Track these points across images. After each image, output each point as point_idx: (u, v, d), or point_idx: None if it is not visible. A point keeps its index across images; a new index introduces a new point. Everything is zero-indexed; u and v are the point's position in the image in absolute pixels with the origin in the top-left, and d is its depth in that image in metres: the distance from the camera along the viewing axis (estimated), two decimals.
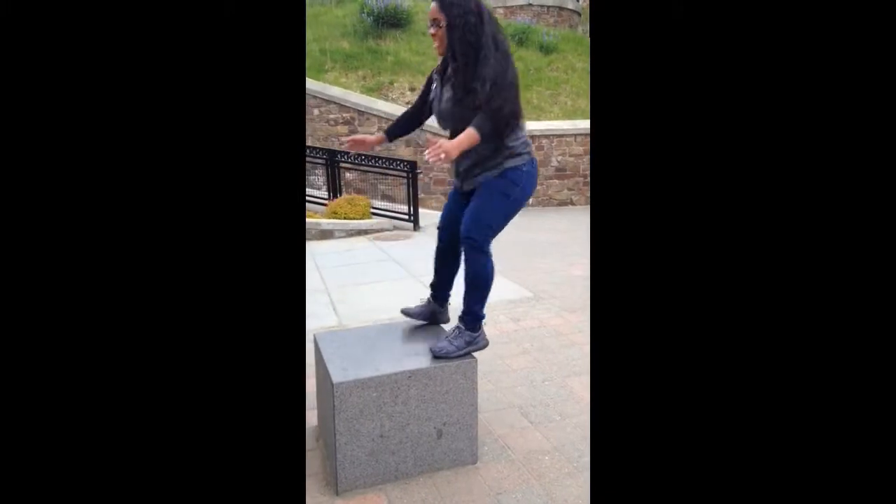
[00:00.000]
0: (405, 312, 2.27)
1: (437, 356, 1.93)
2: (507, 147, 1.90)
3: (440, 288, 2.24)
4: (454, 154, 1.77)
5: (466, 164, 1.95)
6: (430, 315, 2.26)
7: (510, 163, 1.91)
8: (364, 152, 7.66)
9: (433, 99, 2.03)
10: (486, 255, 1.96)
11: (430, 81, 2.07)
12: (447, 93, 1.92)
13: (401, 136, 2.25)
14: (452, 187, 2.15)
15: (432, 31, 1.88)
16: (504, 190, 1.92)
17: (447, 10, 1.83)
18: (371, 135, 2.07)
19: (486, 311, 2.07)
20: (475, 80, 1.81)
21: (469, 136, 1.78)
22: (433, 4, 1.87)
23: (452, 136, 1.90)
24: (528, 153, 1.97)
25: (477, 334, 2.02)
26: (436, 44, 1.90)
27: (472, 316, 2.01)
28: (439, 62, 2.00)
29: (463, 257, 2.01)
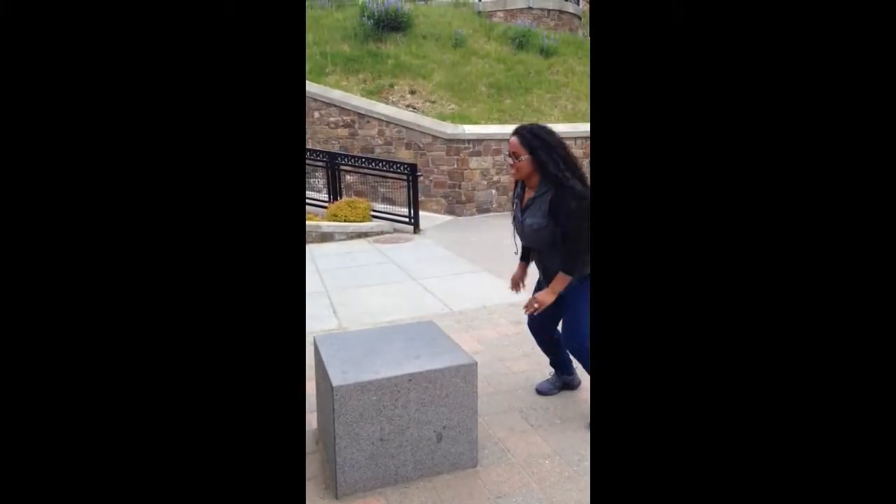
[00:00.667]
0: (540, 392, 2.55)
1: (540, 393, 2.50)
2: (587, 262, 2.12)
3: (559, 365, 2.54)
4: (550, 300, 2.14)
5: (551, 272, 2.21)
6: (564, 386, 2.57)
7: (586, 270, 2.14)
8: (366, 155, 7.67)
9: (514, 218, 2.30)
10: (586, 349, 2.18)
11: (514, 205, 2.35)
12: (529, 219, 2.18)
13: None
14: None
15: (511, 161, 2.14)
16: (584, 292, 2.14)
17: (526, 144, 2.09)
18: (515, 272, 2.48)
19: (486, 314, 2.09)
20: (558, 216, 2.07)
21: (562, 280, 2.12)
22: (512, 138, 2.13)
23: (528, 250, 2.36)
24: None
25: (572, 377, 2.52)
26: (514, 173, 2.18)
27: (570, 372, 2.52)
28: (515, 192, 2.31)
29: (572, 354, 2.30)
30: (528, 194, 2.20)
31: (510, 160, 2.15)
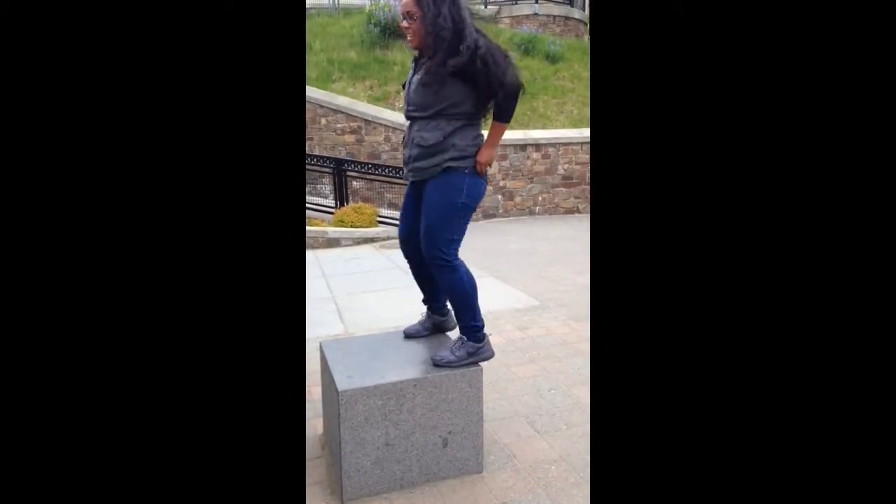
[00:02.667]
0: (408, 334, 2.20)
1: (437, 365, 1.91)
2: (453, 145, 1.83)
3: (433, 300, 2.18)
4: (491, 156, 1.85)
5: (409, 153, 1.89)
6: (434, 327, 2.22)
7: (452, 164, 1.83)
8: (372, 161, 7.70)
9: (403, 84, 1.96)
10: (457, 269, 1.90)
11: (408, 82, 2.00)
12: (418, 75, 1.83)
13: None
14: (407, 185, 2.04)
15: (405, 24, 1.79)
16: (449, 199, 1.85)
17: (422, 2, 1.73)
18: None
19: (492, 319, 2.06)
20: (455, 51, 1.72)
21: (495, 129, 1.82)
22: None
23: (409, 118, 1.89)
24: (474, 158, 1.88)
25: (480, 345, 1.97)
26: (408, 37, 1.82)
27: (470, 328, 1.97)
28: (411, 60, 1.95)
29: (436, 278, 1.95)
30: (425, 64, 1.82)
31: (404, 24, 1.79)
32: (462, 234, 1.93)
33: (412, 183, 2.01)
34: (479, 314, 1.99)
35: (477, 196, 1.92)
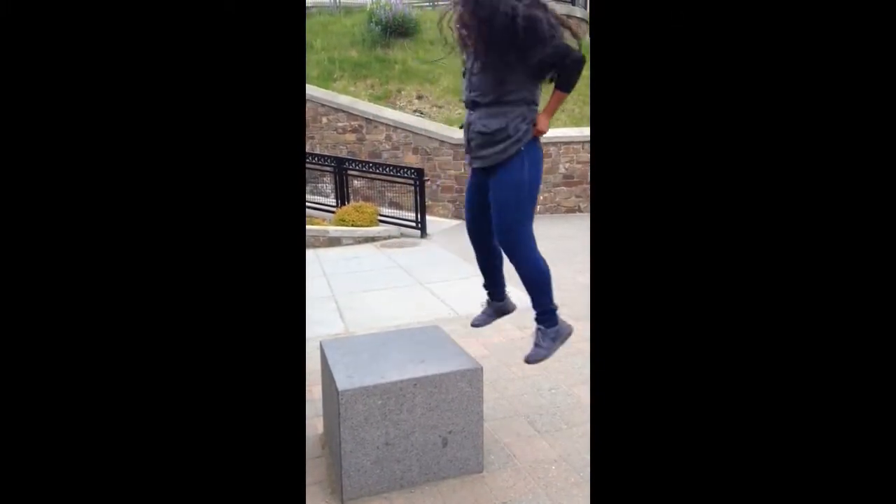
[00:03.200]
0: (475, 324, 2.29)
1: (533, 362, 1.97)
2: (516, 129, 1.82)
3: (494, 286, 2.23)
4: (547, 125, 1.84)
5: (471, 140, 1.89)
6: (496, 312, 2.27)
7: (513, 149, 1.83)
8: (373, 160, 7.70)
9: (462, 72, 1.95)
10: (531, 250, 1.91)
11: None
12: (477, 63, 1.84)
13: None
14: (469, 174, 2.08)
15: (459, 31, 1.80)
16: (514, 181, 1.86)
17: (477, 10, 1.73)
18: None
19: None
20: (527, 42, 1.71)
21: (556, 97, 1.83)
22: (459, 8, 1.79)
23: (470, 105, 1.88)
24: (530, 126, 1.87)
25: (558, 326, 2.00)
26: (468, 44, 1.83)
27: (547, 313, 1.99)
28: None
29: (509, 261, 1.96)
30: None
31: (459, 30, 1.80)
32: (531, 214, 1.94)
33: (474, 170, 2.00)
34: (552, 294, 1.98)
35: (537, 163, 1.91)
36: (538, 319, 2.02)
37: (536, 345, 2.00)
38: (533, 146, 1.90)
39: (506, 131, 1.84)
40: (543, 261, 1.96)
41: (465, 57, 1.94)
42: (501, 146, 1.85)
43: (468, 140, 1.94)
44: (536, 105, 1.91)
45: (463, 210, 2.15)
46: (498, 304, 2.26)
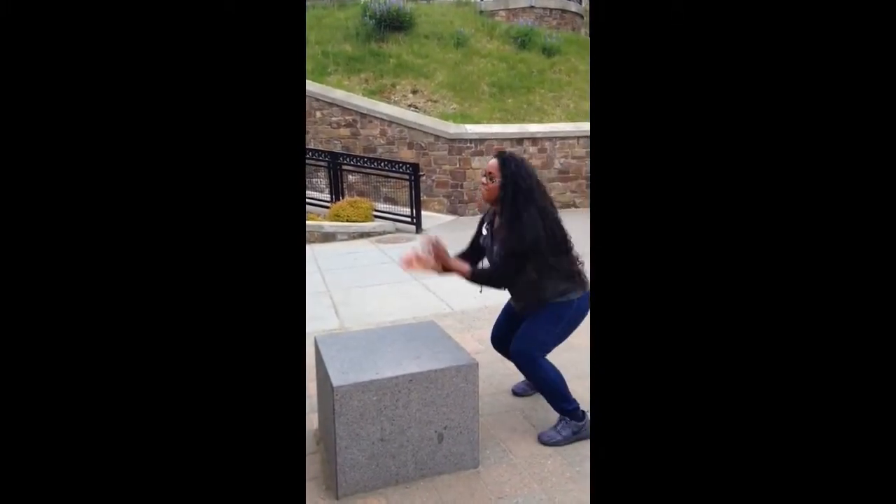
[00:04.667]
0: (517, 393, 2.50)
1: (546, 444, 2.11)
2: (559, 291, 2.07)
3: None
4: (438, 267, 2.07)
5: (522, 304, 2.18)
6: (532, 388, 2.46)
7: (559, 299, 2.08)
8: (368, 155, 7.67)
9: (484, 245, 2.24)
10: (541, 362, 2.08)
11: (481, 224, 2.29)
12: (496, 246, 2.11)
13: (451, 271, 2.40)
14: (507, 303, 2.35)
15: (484, 180, 2.09)
16: (555, 315, 2.09)
17: (504, 170, 2.04)
18: (427, 250, 2.17)
19: (487, 313, 2.08)
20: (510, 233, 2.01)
21: (462, 269, 2.07)
22: (493, 160, 2.09)
23: (474, 253, 2.26)
24: (582, 288, 2.12)
25: (581, 423, 2.13)
26: (483, 192, 2.12)
27: (568, 412, 2.13)
28: (488, 212, 2.24)
29: (522, 370, 2.18)
30: (497, 222, 2.15)
31: (483, 180, 2.11)
32: (551, 345, 2.18)
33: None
34: (571, 397, 2.14)
35: (578, 319, 2.19)
36: (560, 414, 2.17)
37: (556, 430, 2.13)
38: (582, 301, 2.13)
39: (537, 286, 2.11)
40: (553, 369, 2.11)
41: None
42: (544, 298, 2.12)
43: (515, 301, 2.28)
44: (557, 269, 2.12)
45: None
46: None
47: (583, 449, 2.07)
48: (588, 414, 2.16)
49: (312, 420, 2.30)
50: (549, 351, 2.12)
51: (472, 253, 2.30)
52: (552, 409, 2.15)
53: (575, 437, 2.11)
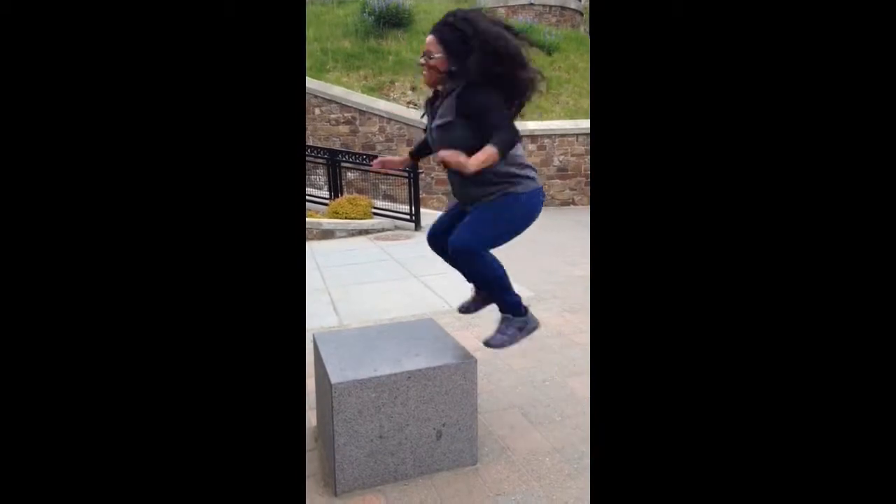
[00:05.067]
0: (463, 310, 2.28)
1: (492, 346, 1.96)
2: (503, 171, 1.84)
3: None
4: (472, 170, 1.70)
5: (459, 182, 1.92)
6: (485, 301, 2.24)
7: (507, 188, 1.87)
8: (367, 152, 7.66)
9: (426, 129, 2.01)
10: (482, 255, 1.90)
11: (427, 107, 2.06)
12: (438, 119, 1.88)
13: (424, 156, 2.23)
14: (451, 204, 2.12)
15: (422, 61, 1.84)
16: (496, 214, 1.88)
17: (442, 40, 1.78)
18: (396, 155, 2.02)
19: (486, 311, 2.06)
20: (470, 108, 1.77)
21: (489, 154, 1.70)
22: (430, 36, 1.82)
23: (424, 148, 1.96)
24: (530, 178, 1.91)
25: (525, 317, 2.00)
26: (424, 73, 1.86)
27: (510, 306, 1.99)
28: (429, 94, 1.99)
29: (462, 267, 1.97)
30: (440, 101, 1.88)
31: (421, 60, 1.82)
32: (490, 244, 1.97)
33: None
34: (513, 289, 1.98)
35: (522, 223, 1.96)
36: (502, 310, 2.03)
37: (499, 332, 2.00)
38: (531, 199, 1.90)
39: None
40: (495, 260, 1.93)
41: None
42: (489, 188, 1.90)
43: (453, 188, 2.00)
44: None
45: (456, 203, 2.16)
46: (485, 293, 2.23)
47: (581, 446, 2.07)
48: (529, 309, 2.03)
49: (310, 417, 2.30)
50: (487, 247, 1.91)
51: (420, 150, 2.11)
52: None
53: (521, 335, 1.98)
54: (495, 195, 1.89)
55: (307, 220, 6.28)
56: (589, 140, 7.94)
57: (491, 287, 1.98)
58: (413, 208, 6.63)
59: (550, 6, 12.39)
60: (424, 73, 1.85)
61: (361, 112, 8.04)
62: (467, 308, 2.28)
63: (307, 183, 7.78)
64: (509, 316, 2.02)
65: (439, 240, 2.11)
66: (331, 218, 6.51)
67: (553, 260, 4.94)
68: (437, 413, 1.89)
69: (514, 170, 1.89)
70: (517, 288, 2.04)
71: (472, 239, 1.87)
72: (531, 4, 12.07)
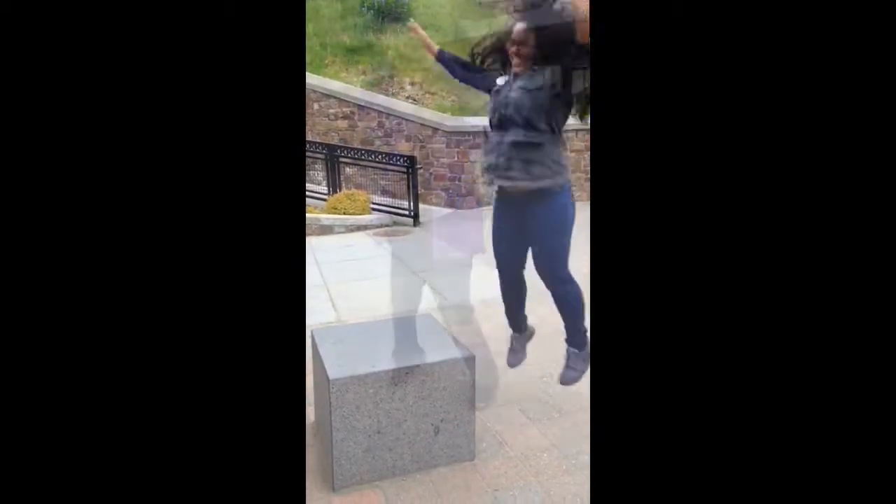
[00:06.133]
0: (513, 365, 2.33)
1: (569, 384, 2.06)
2: (561, 157, 1.88)
3: (519, 321, 2.28)
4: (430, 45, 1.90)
5: (521, 161, 1.85)
6: (526, 344, 2.34)
7: (561, 180, 1.89)
8: (365, 147, 7.64)
9: (496, 91, 1.95)
10: (573, 282, 1.98)
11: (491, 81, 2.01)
12: (522, 83, 1.86)
13: (448, 67, 2.20)
14: (494, 208, 2.11)
15: (514, 49, 1.85)
16: (561, 222, 1.92)
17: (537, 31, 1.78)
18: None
19: (484, 307, 2.08)
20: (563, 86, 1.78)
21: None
22: (519, 25, 1.81)
23: (502, 126, 1.89)
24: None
25: (587, 348, 2.08)
26: (516, 60, 1.87)
27: (579, 335, 2.07)
28: (508, 75, 1.95)
29: (555, 295, 2.02)
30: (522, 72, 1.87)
31: (513, 49, 1.83)
32: (569, 250, 2.03)
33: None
34: (585, 318, 2.05)
35: (574, 212, 2.02)
36: (570, 342, 2.09)
37: (569, 367, 2.07)
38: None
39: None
40: (579, 288, 2.00)
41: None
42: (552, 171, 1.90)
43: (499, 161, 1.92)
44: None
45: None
46: (526, 334, 2.33)
47: (579, 442, 2.08)
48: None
49: (309, 413, 2.30)
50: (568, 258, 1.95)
51: (469, 68, 2.08)
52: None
53: (588, 365, 2.02)
54: (556, 182, 1.88)
55: (306, 215, 6.28)
56: (587, 136, 7.92)
57: (576, 314, 2.02)
58: (412, 204, 6.62)
59: None
60: (516, 61, 1.86)
61: (360, 107, 8.01)
62: (516, 361, 2.34)
63: (305, 178, 7.76)
64: (574, 350, 2.08)
65: (510, 270, 2.10)
66: (329, 213, 6.50)
67: None
68: (434, 408, 1.89)
69: (563, 160, 1.91)
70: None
71: (561, 267, 1.92)
72: None
